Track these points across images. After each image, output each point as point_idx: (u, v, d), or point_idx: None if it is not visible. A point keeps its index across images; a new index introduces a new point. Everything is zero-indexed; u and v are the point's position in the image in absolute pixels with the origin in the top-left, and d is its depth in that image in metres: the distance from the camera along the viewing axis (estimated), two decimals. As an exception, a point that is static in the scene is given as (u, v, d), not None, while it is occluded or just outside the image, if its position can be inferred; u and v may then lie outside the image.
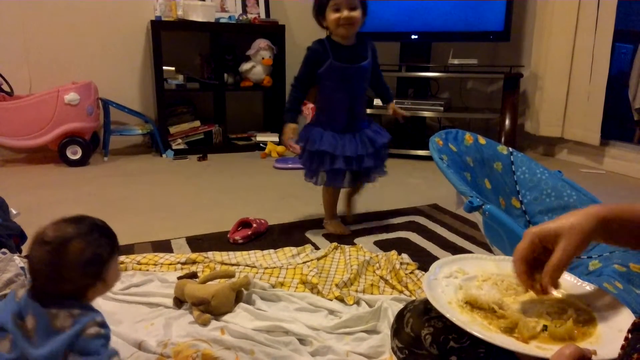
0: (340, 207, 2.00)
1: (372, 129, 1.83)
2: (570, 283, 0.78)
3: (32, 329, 0.82)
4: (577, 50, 3.10)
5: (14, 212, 1.72)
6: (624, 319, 0.66)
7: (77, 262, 0.84)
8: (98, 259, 0.87)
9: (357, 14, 1.65)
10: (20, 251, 1.41)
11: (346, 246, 1.70)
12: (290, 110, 1.76)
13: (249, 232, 1.80)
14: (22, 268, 1.17)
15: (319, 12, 1.71)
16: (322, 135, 1.74)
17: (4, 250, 1.26)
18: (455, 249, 1.74)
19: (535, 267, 0.71)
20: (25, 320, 0.83)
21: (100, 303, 1.26)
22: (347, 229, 1.91)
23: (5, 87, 2.88)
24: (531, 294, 0.74)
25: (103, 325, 0.86)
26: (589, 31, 3.01)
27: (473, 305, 0.72)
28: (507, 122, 3.20)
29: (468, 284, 0.78)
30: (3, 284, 1.10)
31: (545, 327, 0.67)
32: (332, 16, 1.66)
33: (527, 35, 3.53)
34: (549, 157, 3.41)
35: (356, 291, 1.39)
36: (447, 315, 0.68)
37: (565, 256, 0.66)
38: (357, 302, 1.33)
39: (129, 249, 1.66)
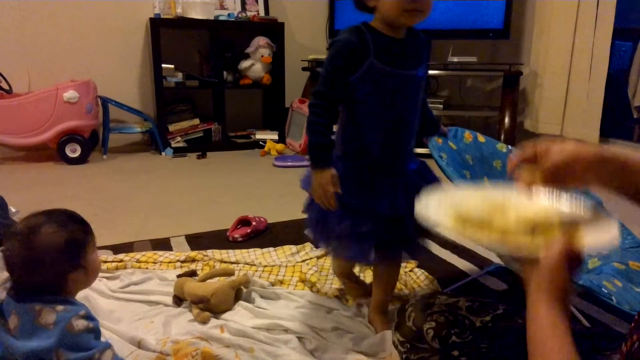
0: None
1: (421, 171, 1.17)
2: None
3: (15, 327, 0.81)
4: (576, 48, 3.09)
5: (13, 210, 1.72)
6: (610, 224, 0.66)
7: (50, 246, 0.84)
8: (72, 242, 0.86)
9: None
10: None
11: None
12: (318, 148, 1.06)
13: (248, 230, 1.80)
14: None
15: None
16: (345, 178, 1.07)
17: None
18: (455, 247, 1.74)
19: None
20: (8, 319, 0.82)
21: (99, 302, 1.26)
22: (367, 287, 1.34)
23: (4, 85, 2.87)
24: (517, 213, 0.72)
25: (89, 317, 0.85)
26: (588, 29, 3.00)
27: (465, 221, 0.70)
28: (507, 120, 3.20)
29: (457, 206, 0.76)
30: (1, 282, 1.09)
31: (533, 234, 0.66)
32: None
33: (526, 33, 3.52)
34: (549, 155, 3.40)
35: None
36: (441, 227, 0.67)
37: (562, 161, 0.65)
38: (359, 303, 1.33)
39: (129, 247, 1.66)
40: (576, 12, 3.05)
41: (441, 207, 0.75)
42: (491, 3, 3.23)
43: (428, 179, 1.15)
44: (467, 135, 1.52)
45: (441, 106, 3.28)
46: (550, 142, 0.68)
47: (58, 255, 0.84)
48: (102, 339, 0.89)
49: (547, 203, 0.72)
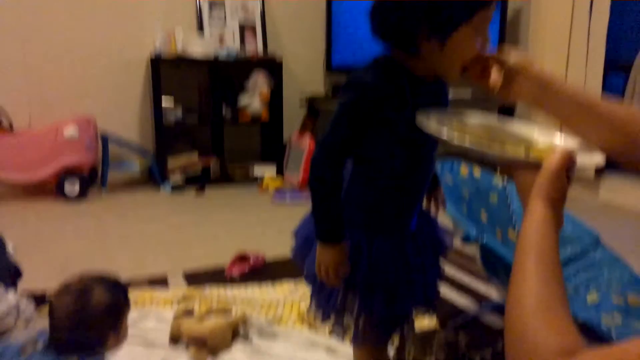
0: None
1: (432, 225, 1.01)
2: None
3: None
4: (569, 82, 3.15)
5: (11, 248, 1.71)
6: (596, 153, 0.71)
7: (99, 308, 0.91)
8: (117, 307, 0.94)
9: None
10: (15, 287, 1.40)
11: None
12: (327, 220, 0.87)
13: (246, 267, 1.80)
14: (16, 305, 1.16)
15: (439, 27, 0.76)
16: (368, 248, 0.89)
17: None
18: (452, 282, 1.73)
19: None
20: None
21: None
22: None
23: (6, 122, 2.91)
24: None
25: None
26: (580, 62, 3.07)
27: (466, 132, 0.73)
28: (503, 152, 3.23)
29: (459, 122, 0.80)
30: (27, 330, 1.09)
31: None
32: (471, 44, 0.79)
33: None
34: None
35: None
36: (444, 133, 0.70)
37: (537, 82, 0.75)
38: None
39: (125, 285, 1.65)
40: (567, 46, 3.13)
41: (443, 119, 0.77)
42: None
43: (436, 227, 1.01)
44: (463, 169, 1.53)
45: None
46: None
47: (104, 317, 0.91)
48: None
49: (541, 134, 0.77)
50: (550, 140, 0.74)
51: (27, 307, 1.19)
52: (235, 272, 1.77)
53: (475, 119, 0.83)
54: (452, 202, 1.36)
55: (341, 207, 0.86)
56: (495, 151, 0.67)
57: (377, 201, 0.89)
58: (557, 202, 0.59)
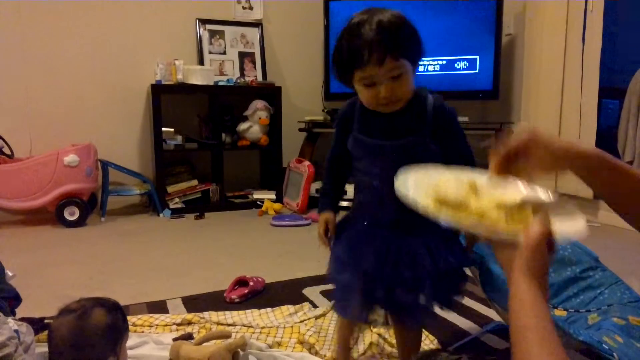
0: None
1: (434, 243, 1.06)
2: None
3: None
4: (565, 107, 3.19)
5: (10, 274, 1.70)
6: (578, 216, 0.69)
7: (99, 328, 0.91)
8: (116, 329, 0.95)
9: (402, 82, 1.00)
10: (14, 314, 1.39)
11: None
12: (320, 194, 1.24)
13: (246, 291, 1.79)
14: (16, 331, 1.15)
15: (341, 76, 1.06)
16: (341, 229, 1.17)
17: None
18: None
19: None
20: None
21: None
22: None
23: (6, 150, 2.93)
24: (491, 198, 0.74)
25: None
26: (575, 88, 3.11)
27: (441, 202, 0.72)
28: (501, 176, 3.24)
29: (435, 187, 0.78)
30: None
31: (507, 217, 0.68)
32: (364, 93, 1.04)
33: (515, 93, 3.64)
34: (545, 211, 3.43)
35: (357, 352, 1.37)
36: (420, 205, 0.69)
37: (549, 154, 0.69)
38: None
39: (125, 311, 1.64)
40: (562, 72, 3.18)
41: (419, 186, 0.78)
42: (480, 65, 3.37)
43: (437, 247, 1.04)
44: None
45: (436, 164, 3.34)
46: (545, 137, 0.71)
47: (103, 339, 0.92)
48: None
49: (518, 189, 0.75)
50: (530, 196, 0.73)
51: (27, 333, 1.18)
52: (235, 296, 1.76)
53: (451, 175, 0.84)
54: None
55: (327, 188, 1.22)
56: (471, 227, 0.68)
57: (357, 193, 1.17)
58: (541, 276, 0.59)
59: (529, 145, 0.71)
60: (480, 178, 0.80)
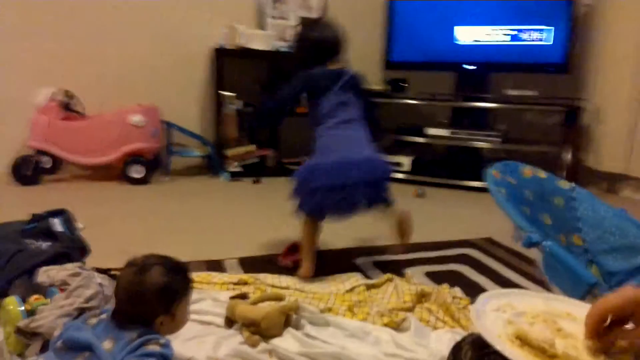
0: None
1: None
2: None
3: (109, 349, 0.88)
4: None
5: (80, 225, 1.81)
6: None
7: (154, 285, 0.93)
8: (171, 290, 0.96)
9: None
10: (84, 263, 1.48)
11: (398, 279, 1.65)
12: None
13: (300, 257, 1.81)
14: (99, 285, 1.22)
15: None
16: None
17: (80, 265, 1.33)
18: (510, 285, 1.69)
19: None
20: (103, 342, 0.89)
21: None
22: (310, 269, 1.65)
23: (80, 108, 3.08)
24: (585, 340, 0.71)
25: (165, 345, 0.92)
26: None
27: (523, 341, 0.70)
28: (568, 156, 3.10)
29: (517, 319, 0.76)
30: (85, 300, 1.16)
31: None
32: None
33: (588, 67, 3.42)
34: (612, 195, 3.26)
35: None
36: (498, 348, 0.67)
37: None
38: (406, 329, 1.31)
39: (184, 267, 1.71)
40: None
41: (499, 320, 0.75)
42: (553, 37, 3.17)
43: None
44: (527, 170, 1.48)
45: (499, 140, 3.22)
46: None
47: (155, 297, 0.94)
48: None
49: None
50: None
51: (109, 286, 1.25)
52: (289, 261, 1.79)
53: (530, 305, 0.80)
54: (514, 204, 1.32)
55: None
56: None
57: None
58: None
59: (634, 309, 0.64)
60: (576, 308, 0.76)
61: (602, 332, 0.66)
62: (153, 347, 0.88)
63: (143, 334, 0.90)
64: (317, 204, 1.59)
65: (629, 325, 0.67)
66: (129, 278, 0.94)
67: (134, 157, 3.01)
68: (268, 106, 1.83)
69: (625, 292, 0.65)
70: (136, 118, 2.97)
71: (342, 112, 1.69)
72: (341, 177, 1.54)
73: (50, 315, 1.08)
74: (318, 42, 1.80)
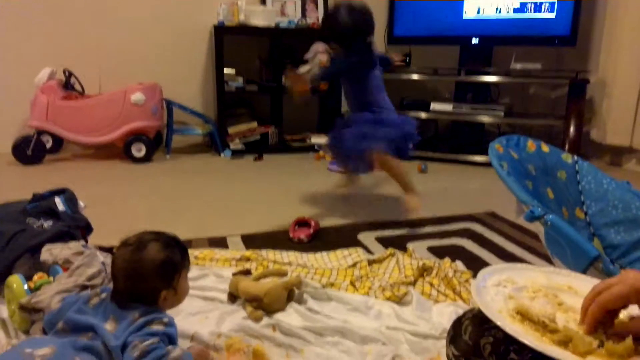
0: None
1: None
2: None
3: (112, 330, 0.89)
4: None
5: (82, 204, 1.81)
6: None
7: (153, 262, 0.93)
8: (171, 264, 0.96)
9: None
10: (86, 242, 1.49)
11: (400, 254, 1.65)
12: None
13: (311, 231, 1.82)
14: (102, 263, 1.23)
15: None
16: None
17: (84, 243, 1.34)
18: (513, 259, 1.69)
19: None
20: (106, 323, 0.90)
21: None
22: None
23: (78, 87, 3.05)
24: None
25: (169, 324, 0.92)
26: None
27: (524, 315, 0.71)
28: (572, 129, 3.07)
29: (518, 294, 0.76)
30: (87, 278, 1.16)
31: (601, 343, 0.64)
32: None
33: (594, 40, 3.37)
34: (616, 167, 3.24)
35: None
36: (499, 323, 0.67)
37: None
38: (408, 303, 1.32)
39: (187, 244, 1.71)
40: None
41: (499, 295, 0.75)
42: (558, 9, 3.11)
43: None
44: (530, 144, 1.47)
45: (502, 113, 3.19)
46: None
47: (155, 273, 0.94)
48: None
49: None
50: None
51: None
52: (303, 235, 1.80)
53: (532, 279, 0.80)
54: (517, 178, 1.31)
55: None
56: (554, 354, 0.62)
57: None
58: None
59: (633, 300, 0.63)
60: (577, 281, 0.75)
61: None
62: (157, 327, 0.89)
63: (145, 313, 0.90)
64: (395, 147, 1.98)
65: (629, 310, 0.67)
66: (126, 257, 0.93)
67: (135, 136, 3.00)
68: (350, 62, 2.06)
69: (628, 280, 0.64)
70: (136, 96, 2.95)
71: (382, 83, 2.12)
72: (402, 130, 2.03)
73: (50, 291, 1.09)
74: (366, 23, 2.05)
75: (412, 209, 1.95)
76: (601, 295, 0.66)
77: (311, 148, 3.46)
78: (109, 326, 0.89)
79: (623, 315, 0.68)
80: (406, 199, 1.98)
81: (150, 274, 0.93)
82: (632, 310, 0.69)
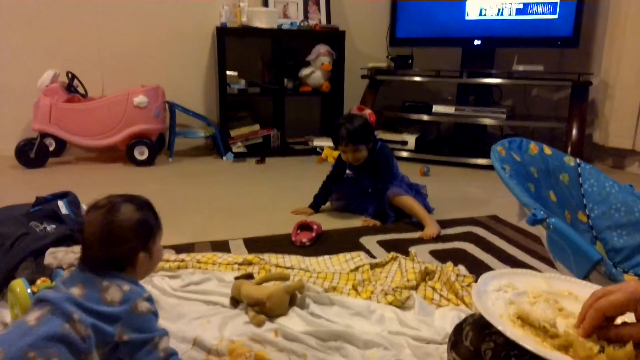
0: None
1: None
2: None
3: (80, 296, 0.84)
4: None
5: (85, 207, 1.82)
6: None
7: (129, 221, 0.90)
8: (147, 225, 0.93)
9: (358, 153, 2.13)
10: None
11: (402, 258, 1.65)
12: (314, 197, 2.30)
13: (314, 235, 1.82)
14: None
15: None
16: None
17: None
18: (515, 263, 1.69)
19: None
20: (71, 288, 0.85)
21: (161, 299, 1.32)
22: None
23: (81, 90, 3.07)
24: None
25: (150, 300, 0.90)
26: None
27: (524, 320, 0.71)
28: (574, 131, 3.06)
29: (519, 299, 0.77)
30: (68, 265, 1.16)
31: (602, 349, 0.64)
32: (343, 156, 2.24)
33: (597, 42, 3.36)
34: (619, 170, 3.23)
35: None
36: (500, 328, 0.67)
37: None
38: (411, 307, 1.31)
39: (190, 248, 1.72)
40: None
41: (500, 300, 0.75)
42: (560, 10, 3.11)
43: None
44: (533, 147, 1.47)
45: (504, 116, 3.19)
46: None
47: (132, 234, 0.90)
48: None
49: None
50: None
51: None
52: (305, 239, 1.80)
53: (532, 284, 0.80)
54: (519, 181, 1.31)
55: (318, 195, 2.27)
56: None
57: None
58: None
59: (631, 308, 0.64)
60: (577, 287, 0.76)
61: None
62: (142, 306, 0.87)
63: (116, 280, 0.87)
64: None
65: (624, 318, 0.67)
66: (100, 220, 0.88)
67: (138, 139, 3.01)
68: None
69: (628, 288, 0.64)
70: (139, 99, 2.95)
71: None
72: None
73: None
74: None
75: (430, 236, 1.91)
76: (600, 300, 0.66)
77: (313, 151, 3.46)
78: (75, 291, 0.84)
79: (617, 322, 0.69)
80: (425, 230, 1.94)
81: (126, 234, 0.89)
82: (627, 317, 0.69)
